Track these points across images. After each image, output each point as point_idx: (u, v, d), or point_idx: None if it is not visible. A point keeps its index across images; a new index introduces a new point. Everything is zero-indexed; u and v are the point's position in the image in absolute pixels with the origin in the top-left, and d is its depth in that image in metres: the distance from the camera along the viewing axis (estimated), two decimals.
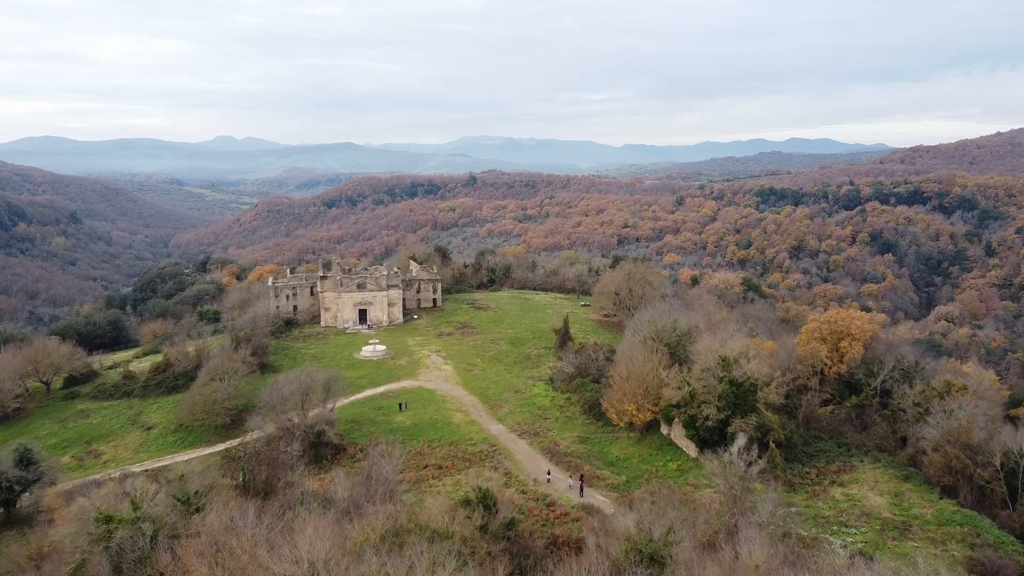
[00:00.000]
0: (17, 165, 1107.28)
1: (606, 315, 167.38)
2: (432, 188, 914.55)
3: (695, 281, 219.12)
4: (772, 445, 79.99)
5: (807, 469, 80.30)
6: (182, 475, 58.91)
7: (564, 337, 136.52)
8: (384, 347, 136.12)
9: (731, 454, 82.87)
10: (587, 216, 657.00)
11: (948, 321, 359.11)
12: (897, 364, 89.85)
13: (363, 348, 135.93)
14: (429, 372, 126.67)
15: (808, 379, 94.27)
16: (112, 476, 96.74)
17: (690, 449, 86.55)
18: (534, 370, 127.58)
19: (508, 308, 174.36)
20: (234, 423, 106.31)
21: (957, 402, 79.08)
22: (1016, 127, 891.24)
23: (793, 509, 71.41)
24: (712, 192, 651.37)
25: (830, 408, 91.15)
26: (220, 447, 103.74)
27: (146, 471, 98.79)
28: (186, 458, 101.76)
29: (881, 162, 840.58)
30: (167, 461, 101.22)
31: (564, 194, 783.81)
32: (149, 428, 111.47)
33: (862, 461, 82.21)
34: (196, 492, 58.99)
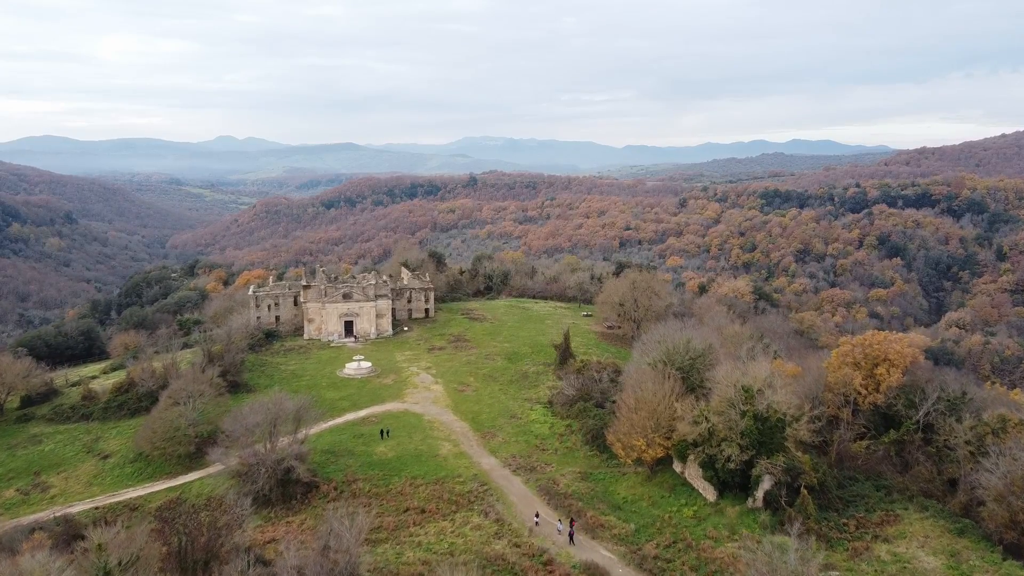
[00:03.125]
0: (15, 165, 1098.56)
1: (609, 327, 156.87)
2: (432, 189, 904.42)
3: (703, 289, 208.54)
4: (804, 491, 69.30)
5: (844, 520, 69.54)
6: (99, 544, 48.29)
7: (565, 353, 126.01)
8: (369, 364, 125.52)
9: (755, 499, 72.85)
10: (588, 218, 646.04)
11: (960, 328, 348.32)
12: (942, 395, 79.14)
13: (346, 365, 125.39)
14: (417, 393, 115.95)
15: (839, 409, 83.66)
16: (56, 514, 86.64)
17: (708, 492, 75.79)
18: (532, 391, 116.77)
19: (505, 319, 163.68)
20: (199, 452, 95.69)
21: (1017, 442, 68.40)
22: (1020, 129, 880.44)
23: (835, 574, 60.83)
24: (716, 194, 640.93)
25: (865, 443, 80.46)
26: (183, 479, 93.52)
27: (96, 508, 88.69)
28: (143, 493, 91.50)
29: (886, 164, 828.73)
30: (121, 496, 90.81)
31: (565, 195, 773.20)
32: (106, 457, 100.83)
33: (907, 509, 71.42)
34: (119, 564, 48.48)
